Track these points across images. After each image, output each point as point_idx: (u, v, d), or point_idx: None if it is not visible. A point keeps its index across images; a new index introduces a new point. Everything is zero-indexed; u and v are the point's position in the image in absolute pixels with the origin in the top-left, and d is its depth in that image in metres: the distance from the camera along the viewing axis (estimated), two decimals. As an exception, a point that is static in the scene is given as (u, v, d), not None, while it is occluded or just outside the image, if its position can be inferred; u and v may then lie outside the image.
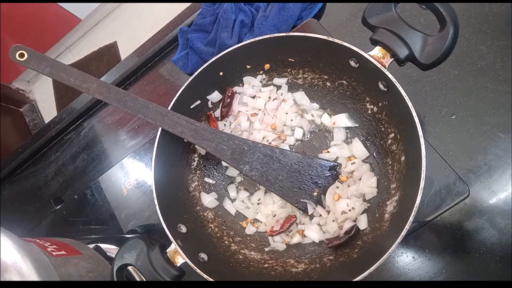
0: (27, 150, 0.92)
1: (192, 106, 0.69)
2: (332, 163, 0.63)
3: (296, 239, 0.64)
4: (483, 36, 0.66)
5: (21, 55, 0.60)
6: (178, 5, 1.38)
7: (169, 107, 0.63)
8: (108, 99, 0.61)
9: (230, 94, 0.70)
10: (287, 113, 0.69)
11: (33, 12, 1.89)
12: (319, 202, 0.63)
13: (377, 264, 0.48)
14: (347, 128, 0.67)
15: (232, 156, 0.61)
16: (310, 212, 0.62)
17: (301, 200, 0.62)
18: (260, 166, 0.62)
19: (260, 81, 0.71)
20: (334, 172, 0.63)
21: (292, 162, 0.62)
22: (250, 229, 0.68)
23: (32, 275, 0.48)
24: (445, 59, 0.50)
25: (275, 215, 0.67)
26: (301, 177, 0.62)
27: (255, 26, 0.76)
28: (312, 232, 0.63)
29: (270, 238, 0.66)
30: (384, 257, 0.48)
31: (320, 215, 0.63)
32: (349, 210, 0.61)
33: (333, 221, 0.62)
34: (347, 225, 0.60)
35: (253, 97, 0.71)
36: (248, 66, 0.69)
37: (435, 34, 0.50)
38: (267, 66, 0.69)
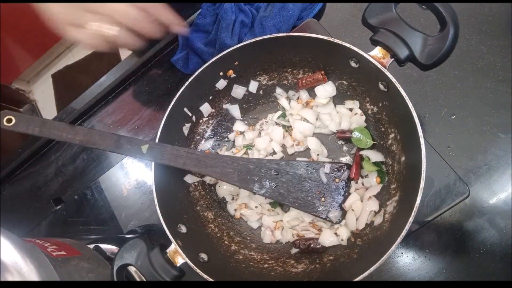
0: (27, 150, 0.92)
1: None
2: (339, 164, 0.62)
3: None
4: (483, 36, 0.66)
5: (9, 120, 0.58)
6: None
7: (169, 107, 0.63)
8: (103, 146, 0.59)
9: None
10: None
11: (33, 12, 1.89)
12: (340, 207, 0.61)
13: (377, 264, 0.48)
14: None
15: (240, 177, 0.60)
16: (335, 221, 0.60)
17: (320, 209, 0.60)
18: (269, 181, 0.60)
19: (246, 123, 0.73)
20: (343, 172, 0.62)
21: (300, 172, 0.61)
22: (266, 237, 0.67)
23: (32, 275, 0.48)
24: (445, 60, 0.50)
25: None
26: (312, 184, 0.61)
27: (255, 26, 0.76)
28: (326, 240, 0.61)
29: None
30: (384, 257, 0.48)
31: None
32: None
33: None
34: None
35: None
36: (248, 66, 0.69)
37: (435, 34, 0.50)
38: (267, 66, 0.69)
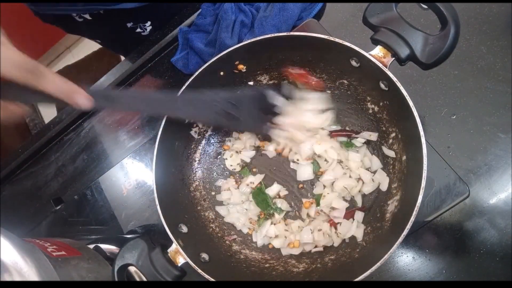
0: (27, 150, 0.92)
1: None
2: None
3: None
4: (483, 36, 0.66)
5: None
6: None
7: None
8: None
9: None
10: None
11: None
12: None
13: (378, 264, 0.48)
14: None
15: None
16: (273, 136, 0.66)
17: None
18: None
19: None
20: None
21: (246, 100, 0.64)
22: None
23: (32, 275, 0.48)
24: (446, 59, 0.50)
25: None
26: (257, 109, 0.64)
27: (255, 26, 0.76)
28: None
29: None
30: (386, 257, 0.48)
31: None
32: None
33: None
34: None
35: None
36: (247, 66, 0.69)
37: (436, 33, 0.50)
38: (267, 65, 0.69)
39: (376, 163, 0.63)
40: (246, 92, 0.66)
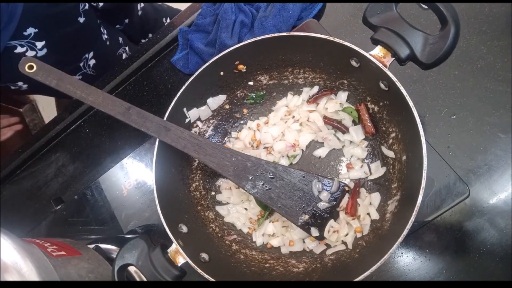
0: (27, 151, 0.92)
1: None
2: (337, 183, 0.60)
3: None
4: (483, 36, 0.66)
5: (30, 67, 0.60)
6: (178, 5, 1.38)
7: (169, 108, 0.63)
8: (113, 112, 0.61)
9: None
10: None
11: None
12: (322, 226, 0.60)
13: (378, 263, 0.48)
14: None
15: (235, 172, 0.60)
16: (313, 235, 0.60)
17: (303, 221, 0.60)
18: (263, 183, 0.60)
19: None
20: (338, 193, 0.60)
21: (295, 180, 0.60)
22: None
23: (32, 276, 0.48)
24: (446, 59, 0.50)
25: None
26: (304, 196, 0.60)
27: (255, 26, 0.76)
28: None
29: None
30: (386, 256, 0.48)
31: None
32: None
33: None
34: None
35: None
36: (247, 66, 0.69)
37: (435, 33, 0.50)
38: (267, 65, 0.69)
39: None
40: (292, 173, 0.60)
